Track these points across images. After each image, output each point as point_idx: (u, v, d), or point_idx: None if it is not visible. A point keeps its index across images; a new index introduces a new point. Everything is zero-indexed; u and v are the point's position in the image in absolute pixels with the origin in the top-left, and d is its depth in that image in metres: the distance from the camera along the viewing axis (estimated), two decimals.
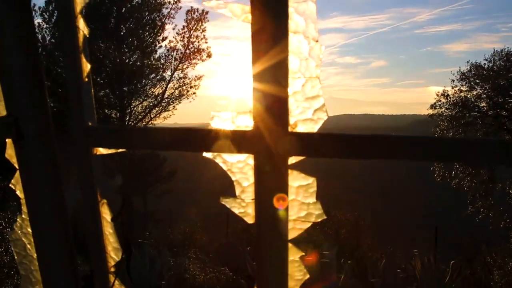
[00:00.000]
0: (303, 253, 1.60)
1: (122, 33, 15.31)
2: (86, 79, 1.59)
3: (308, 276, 1.60)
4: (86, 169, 1.61)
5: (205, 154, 1.53)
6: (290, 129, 1.47)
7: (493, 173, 14.79)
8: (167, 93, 19.55)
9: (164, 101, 19.69)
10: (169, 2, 17.71)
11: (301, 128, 1.49)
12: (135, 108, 19.14)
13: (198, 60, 18.72)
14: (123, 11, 15.40)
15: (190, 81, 19.36)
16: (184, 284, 14.39)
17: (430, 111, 16.49)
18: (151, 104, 18.92)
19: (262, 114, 1.44)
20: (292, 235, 1.57)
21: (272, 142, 1.45)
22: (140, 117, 19.13)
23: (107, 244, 1.72)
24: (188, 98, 19.95)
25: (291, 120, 1.47)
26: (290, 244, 1.57)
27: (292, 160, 1.50)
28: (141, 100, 18.19)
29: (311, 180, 1.54)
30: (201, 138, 1.48)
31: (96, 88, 17.25)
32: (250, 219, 1.58)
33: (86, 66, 1.58)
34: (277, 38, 1.37)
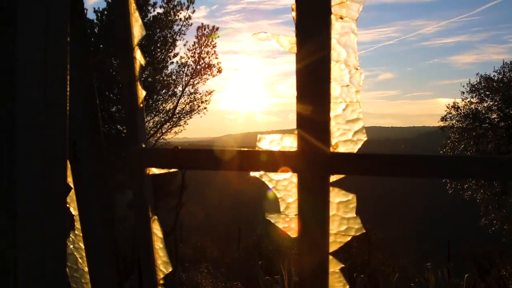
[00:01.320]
0: (343, 265, 1.71)
1: None
2: (141, 105, 1.72)
3: (348, 286, 1.71)
4: (139, 188, 1.74)
5: (252, 173, 1.65)
6: (331, 149, 1.59)
7: (507, 185, 14.77)
8: (178, 108, 19.80)
9: (175, 116, 19.92)
10: (180, 19, 18.02)
11: (342, 149, 1.61)
12: (146, 124, 19.33)
13: (209, 75, 18.98)
14: None
15: (201, 96, 19.63)
16: None
17: (441, 123, 16.55)
18: (162, 119, 19.18)
19: (305, 136, 1.56)
20: (332, 248, 1.68)
21: (314, 161, 1.57)
22: (152, 132, 19.34)
23: (157, 258, 1.83)
24: (199, 113, 20.17)
25: (333, 141, 1.59)
26: (331, 257, 1.68)
27: (334, 178, 1.62)
28: (153, 115, 18.45)
29: (351, 197, 1.66)
30: (250, 158, 1.60)
31: (109, 104, 17.49)
32: (293, 233, 1.70)
33: (141, 93, 1.72)
34: (321, 66, 1.49)
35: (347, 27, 1.50)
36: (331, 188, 1.63)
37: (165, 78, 18.66)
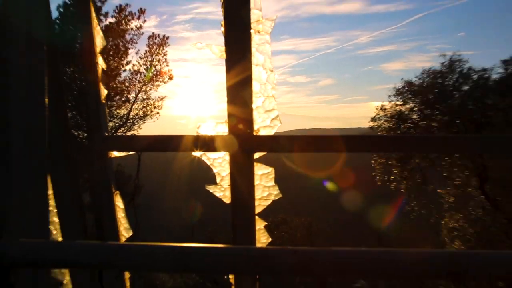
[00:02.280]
0: (266, 223, 2.05)
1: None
2: (103, 101, 2.00)
3: (270, 239, 2.05)
4: (103, 168, 2.02)
5: (193, 153, 1.96)
6: (254, 133, 1.93)
7: (426, 176, 15.74)
8: (132, 114, 19.69)
9: (129, 121, 19.80)
10: (132, 29, 17.96)
11: (263, 132, 1.95)
12: None
13: (161, 82, 19.00)
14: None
15: (153, 102, 19.59)
16: None
17: (371, 124, 17.26)
18: (117, 124, 18.98)
19: (234, 123, 1.89)
20: (258, 210, 2.02)
21: (242, 143, 1.91)
22: None
23: (119, 225, 2.11)
24: (152, 118, 20.12)
25: (255, 126, 1.93)
26: (257, 217, 2.02)
27: (257, 155, 1.96)
28: (108, 121, 18.31)
29: (270, 170, 2.00)
30: (191, 141, 1.91)
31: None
32: (227, 200, 2.02)
33: (104, 92, 2.00)
34: (244, 69, 1.83)
35: (263, 39, 1.84)
36: (255, 163, 1.96)
37: (118, 85, 18.51)
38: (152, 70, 16.96)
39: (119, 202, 2.07)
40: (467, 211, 13.90)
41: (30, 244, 1.28)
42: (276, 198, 2.02)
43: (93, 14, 1.97)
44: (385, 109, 16.98)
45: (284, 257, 1.20)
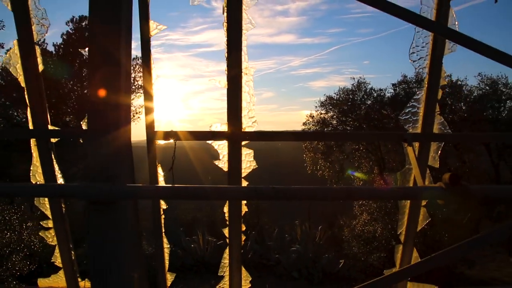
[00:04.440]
0: (248, 183, 2.83)
1: (83, 74, 15.58)
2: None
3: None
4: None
5: (207, 141, 2.71)
6: (243, 130, 2.71)
7: (343, 166, 17.21)
8: None
9: None
10: None
11: (247, 129, 2.74)
12: None
13: (141, 94, 19.30)
14: (84, 58, 15.73)
15: (135, 109, 19.82)
16: None
17: (303, 127, 18.43)
18: None
19: (232, 123, 2.66)
20: (243, 174, 2.80)
21: (235, 135, 2.68)
22: None
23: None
24: (134, 121, 20.35)
25: (243, 126, 2.71)
26: (243, 179, 2.80)
27: (244, 142, 2.75)
28: None
29: (251, 151, 2.80)
30: (210, 134, 2.65)
31: (64, 116, 17.13)
32: (225, 168, 2.79)
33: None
34: (238, 95, 2.61)
35: (249, 78, 2.63)
36: (243, 148, 2.75)
37: None
38: (136, 84, 17.24)
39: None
40: None
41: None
42: (254, 168, 2.81)
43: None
44: (313, 116, 18.34)
45: (267, 192, 1.93)
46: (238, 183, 2.77)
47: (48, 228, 3.13)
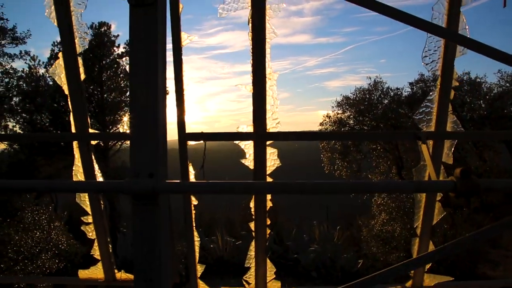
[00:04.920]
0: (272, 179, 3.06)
1: (103, 79, 16.09)
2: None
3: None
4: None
5: (234, 142, 2.95)
6: (267, 131, 2.95)
7: (360, 165, 17.31)
8: None
9: None
10: None
11: (271, 130, 2.97)
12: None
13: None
14: (103, 63, 16.22)
15: None
16: None
17: (320, 127, 18.58)
18: (127, 130, 19.56)
19: (257, 124, 2.90)
20: (269, 171, 3.04)
21: (260, 135, 2.92)
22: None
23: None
24: None
25: (267, 127, 2.95)
26: (267, 175, 3.04)
27: (268, 142, 2.98)
28: (119, 126, 18.78)
29: (274, 150, 3.03)
30: (238, 135, 2.89)
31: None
32: (251, 166, 3.03)
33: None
34: (263, 97, 2.85)
35: (273, 83, 2.86)
36: (267, 147, 2.99)
37: (127, 99, 19.15)
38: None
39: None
40: None
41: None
42: (278, 165, 3.04)
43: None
44: (329, 116, 18.47)
45: (290, 186, 2.17)
46: (263, 180, 3.00)
47: (88, 223, 3.43)
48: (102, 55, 16.34)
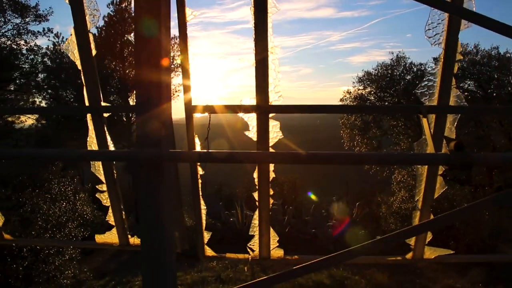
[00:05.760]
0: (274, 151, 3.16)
1: (125, 54, 16.34)
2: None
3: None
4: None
5: (240, 114, 3.05)
6: (269, 103, 3.03)
7: (380, 142, 17.14)
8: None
9: None
10: None
11: (274, 103, 3.05)
12: None
13: (179, 73, 19.90)
14: (125, 38, 16.43)
15: (175, 87, 20.55)
16: None
17: (340, 103, 18.43)
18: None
19: (260, 98, 2.99)
20: (271, 143, 3.14)
21: (263, 107, 3.01)
22: None
23: None
24: (174, 99, 21.14)
25: (270, 100, 3.03)
26: (270, 148, 3.14)
27: (271, 115, 3.07)
28: (129, 100, 19.13)
29: (277, 123, 3.12)
30: (238, 107, 3.00)
31: (107, 96, 18.20)
32: (254, 138, 3.13)
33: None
34: (265, 70, 2.92)
35: (275, 56, 2.93)
36: (270, 119, 3.08)
37: None
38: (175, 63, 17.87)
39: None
40: (410, 168, 15.13)
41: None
42: (280, 138, 3.14)
43: None
44: (350, 92, 18.23)
45: (288, 156, 2.28)
46: (267, 149, 3.12)
47: (103, 191, 3.66)
48: (123, 30, 16.54)
